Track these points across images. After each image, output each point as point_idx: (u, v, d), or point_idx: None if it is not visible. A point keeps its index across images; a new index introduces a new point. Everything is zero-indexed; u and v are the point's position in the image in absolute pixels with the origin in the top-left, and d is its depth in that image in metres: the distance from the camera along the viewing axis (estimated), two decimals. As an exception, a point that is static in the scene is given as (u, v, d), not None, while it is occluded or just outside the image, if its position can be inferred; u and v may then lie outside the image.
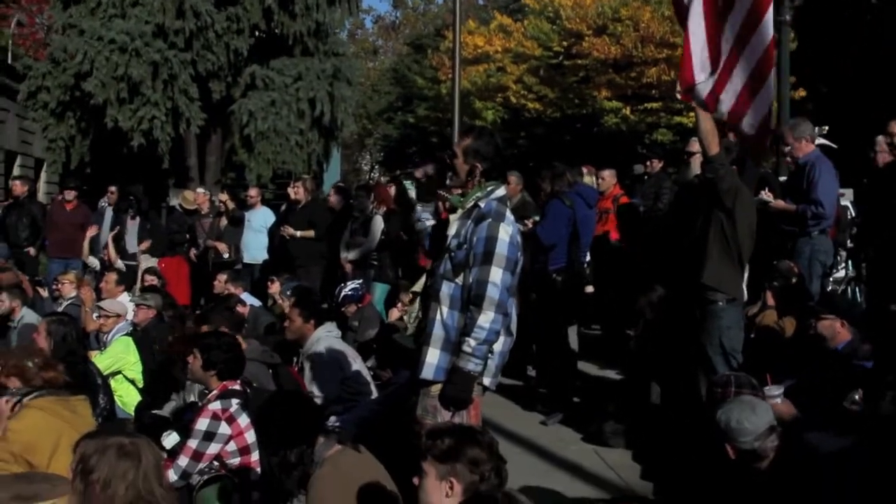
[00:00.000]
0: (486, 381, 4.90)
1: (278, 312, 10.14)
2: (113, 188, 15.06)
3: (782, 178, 9.68)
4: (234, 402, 5.98)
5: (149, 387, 8.27)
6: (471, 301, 4.73)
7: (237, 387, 6.16)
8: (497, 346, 4.87)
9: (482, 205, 4.88)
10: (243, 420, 5.89)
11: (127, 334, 8.70)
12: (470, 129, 5.28)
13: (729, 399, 5.35)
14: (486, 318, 4.65)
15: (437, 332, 4.87)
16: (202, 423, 5.91)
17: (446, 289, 4.88)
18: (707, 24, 6.23)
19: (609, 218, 11.39)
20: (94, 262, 14.03)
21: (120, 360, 8.31)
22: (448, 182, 5.08)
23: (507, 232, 4.73)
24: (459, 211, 4.98)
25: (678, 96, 6.48)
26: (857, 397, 6.06)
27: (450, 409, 4.76)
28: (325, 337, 7.55)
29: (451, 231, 4.97)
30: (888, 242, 7.96)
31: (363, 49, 55.44)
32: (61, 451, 4.94)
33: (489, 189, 4.93)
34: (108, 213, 14.78)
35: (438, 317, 4.88)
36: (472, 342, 4.65)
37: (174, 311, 9.83)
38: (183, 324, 8.26)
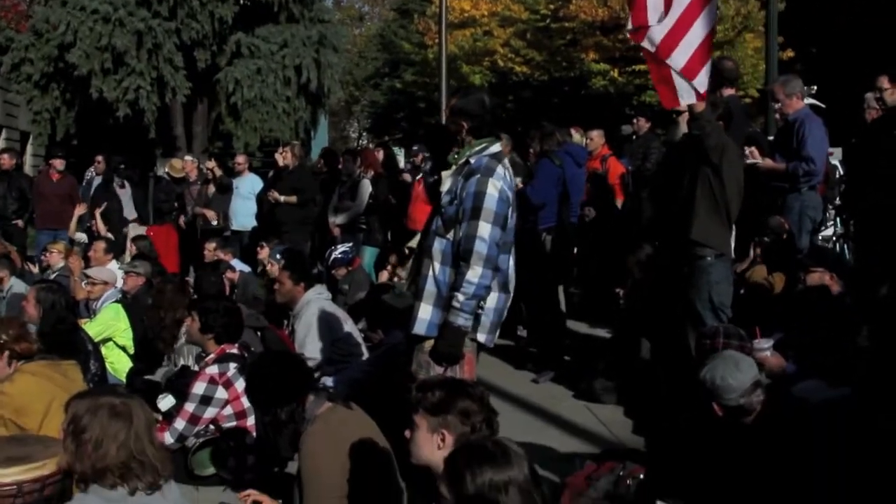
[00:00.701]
0: (481, 337, 4.91)
1: (268, 277, 10.13)
2: (100, 157, 14.99)
3: (770, 138, 9.67)
4: (232, 366, 6.00)
5: (140, 353, 8.27)
6: (460, 256, 4.73)
7: (235, 350, 6.17)
8: (490, 303, 4.88)
9: (472, 161, 4.87)
10: (240, 385, 5.88)
11: (116, 301, 8.69)
12: (456, 89, 5.29)
13: (716, 352, 5.36)
14: (474, 273, 4.65)
15: (430, 287, 4.88)
16: (199, 387, 5.92)
17: (438, 245, 4.89)
18: None
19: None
20: (81, 237, 13.96)
21: (110, 326, 8.29)
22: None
23: (495, 187, 4.71)
24: (453, 167, 4.98)
25: (627, 34, 6.33)
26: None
27: (441, 364, 4.77)
28: (316, 299, 7.56)
29: (444, 188, 4.98)
30: (874, 201, 7.97)
31: (349, 16, 55.12)
32: (52, 415, 4.96)
33: (482, 146, 4.91)
34: (96, 183, 14.70)
35: (431, 273, 4.89)
36: (461, 297, 4.67)
37: (163, 278, 9.81)
38: (182, 291, 8.20)
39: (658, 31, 6.14)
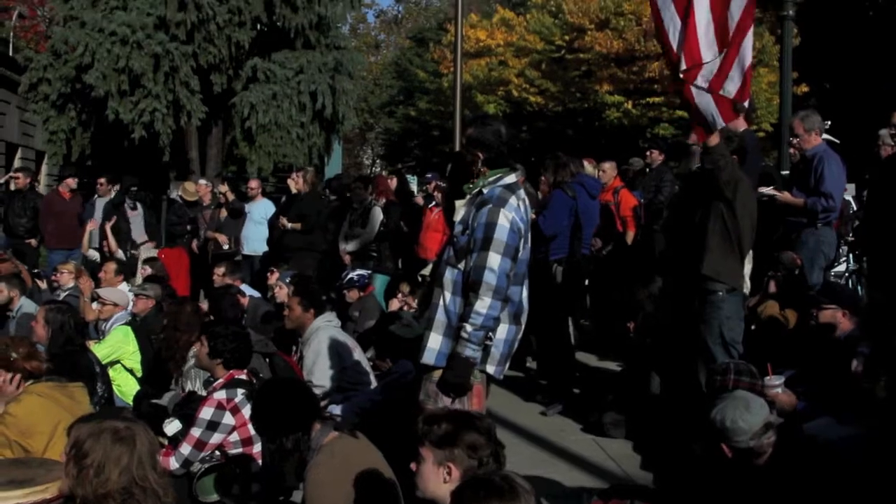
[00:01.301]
0: (490, 369, 4.89)
1: (278, 302, 10.12)
2: (102, 179, 15.04)
3: (784, 172, 9.65)
4: (240, 392, 5.95)
5: (147, 376, 8.25)
6: (469, 287, 4.71)
7: (243, 377, 6.13)
8: (501, 334, 4.86)
9: (485, 191, 4.86)
10: (247, 411, 5.81)
11: (126, 324, 8.68)
12: (472, 119, 5.28)
13: (727, 390, 5.31)
14: (482, 304, 4.63)
15: (440, 317, 4.87)
16: (206, 412, 5.88)
17: (449, 274, 4.88)
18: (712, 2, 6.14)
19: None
20: (94, 255, 13.99)
21: (118, 349, 8.28)
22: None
23: (507, 218, 4.70)
24: (467, 197, 4.98)
25: (680, 75, 6.33)
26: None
27: (449, 395, 4.74)
28: (325, 326, 7.54)
29: (457, 217, 4.97)
30: (891, 236, 7.93)
31: (365, 43, 55.37)
32: (58, 437, 4.94)
33: (496, 176, 4.90)
34: (99, 205, 14.77)
35: (441, 302, 4.88)
36: (469, 328, 4.65)
37: (179, 299, 9.80)
38: (197, 314, 8.18)
39: (713, 66, 6.18)
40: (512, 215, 4.73)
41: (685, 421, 6.47)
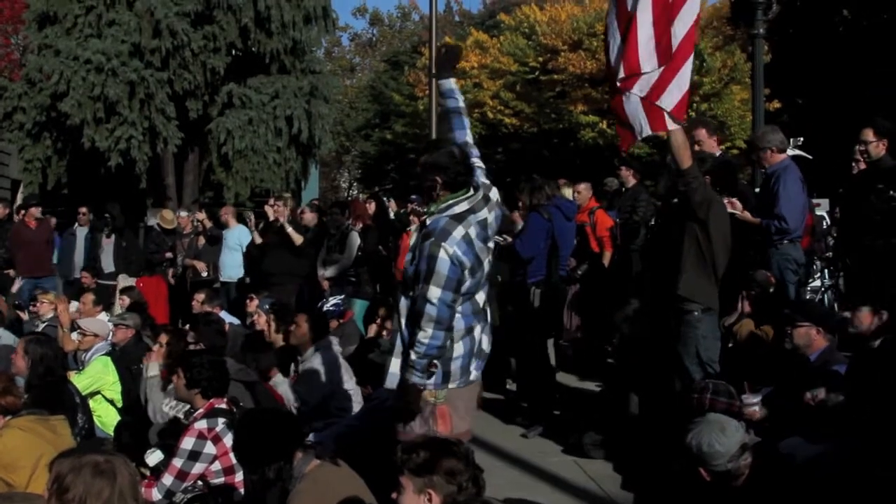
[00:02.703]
0: (454, 384, 4.92)
1: (257, 330, 10.11)
2: (84, 209, 15.02)
3: (756, 190, 9.73)
4: (221, 421, 5.96)
5: (128, 407, 8.24)
6: (414, 316, 4.78)
7: (223, 405, 6.15)
8: (458, 351, 4.88)
9: (429, 221, 4.89)
10: (229, 440, 5.81)
11: (105, 354, 8.66)
12: (424, 147, 5.30)
13: (704, 408, 5.35)
14: (425, 335, 4.70)
15: (398, 343, 4.96)
16: (188, 442, 5.88)
17: (403, 302, 4.96)
18: (655, 15, 6.27)
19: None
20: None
21: (99, 379, 8.27)
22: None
23: (447, 252, 4.69)
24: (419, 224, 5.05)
25: (618, 84, 6.49)
26: (820, 395, 6.10)
27: (400, 419, 4.83)
28: (326, 348, 7.62)
29: (411, 245, 5.03)
30: (866, 250, 8.01)
31: (340, 67, 55.46)
32: (41, 471, 4.93)
33: (447, 203, 4.89)
34: (80, 234, 14.75)
35: (399, 328, 4.98)
36: (413, 356, 4.74)
37: (154, 331, 9.79)
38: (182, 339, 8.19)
39: (651, 77, 6.31)
40: (453, 249, 4.71)
41: (664, 440, 6.52)
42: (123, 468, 3.49)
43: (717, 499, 4.90)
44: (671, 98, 6.32)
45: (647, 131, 6.45)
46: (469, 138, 5.44)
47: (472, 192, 4.95)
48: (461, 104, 5.55)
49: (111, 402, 8.29)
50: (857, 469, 5.10)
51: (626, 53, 6.36)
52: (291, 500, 4.47)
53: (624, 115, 6.49)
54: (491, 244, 5.08)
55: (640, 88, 6.36)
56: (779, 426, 6.12)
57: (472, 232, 4.83)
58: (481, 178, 5.12)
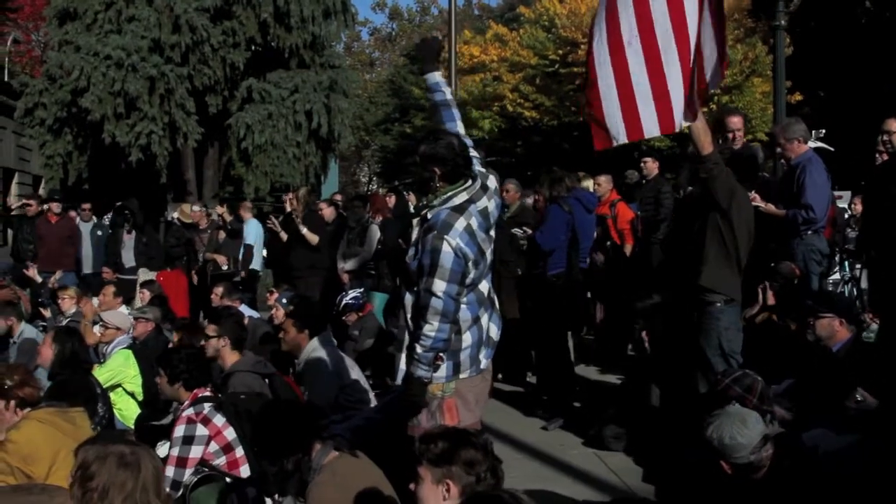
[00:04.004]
0: (464, 375, 4.91)
1: (276, 324, 10.12)
2: (87, 205, 15.13)
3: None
4: (206, 405, 6.04)
5: (148, 399, 8.25)
6: (419, 310, 4.77)
7: (208, 392, 6.21)
8: (466, 342, 4.88)
9: (430, 215, 4.87)
10: (218, 420, 5.95)
11: (127, 347, 8.68)
12: (423, 137, 5.22)
13: (717, 413, 5.27)
14: (430, 328, 4.68)
15: (406, 338, 4.95)
16: (179, 430, 5.95)
17: (408, 297, 4.95)
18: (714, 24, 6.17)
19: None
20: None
21: (119, 373, 8.28)
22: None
23: (450, 244, 4.67)
24: (417, 219, 5.01)
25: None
26: (858, 397, 6.04)
27: (408, 413, 4.86)
28: (321, 346, 7.55)
29: (413, 237, 5.01)
30: (890, 241, 7.94)
31: (360, 61, 55.55)
32: (60, 463, 4.94)
33: (447, 195, 4.86)
34: (85, 230, 14.91)
35: (405, 324, 4.98)
36: (419, 349, 4.72)
37: (174, 324, 9.80)
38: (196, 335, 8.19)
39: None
40: (456, 241, 4.69)
41: (685, 433, 6.48)
42: (148, 461, 3.48)
43: (739, 491, 4.85)
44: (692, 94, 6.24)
45: (623, 139, 6.34)
46: (461, 129, 5.41)
47: (469, 182, 4.92)
48: (448, 96, 5.56)
49: (132, 394, 8.31)
50: (881, 466, 5.04)
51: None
52: (310, 492, 4.46)
53: (601, 114, 6.36)
54: (493, 233, 5.05)
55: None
56: (802, 417, 6.07)
57: (474, 223, 4.81)
58: (477, 166, 5.09)
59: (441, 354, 4.78)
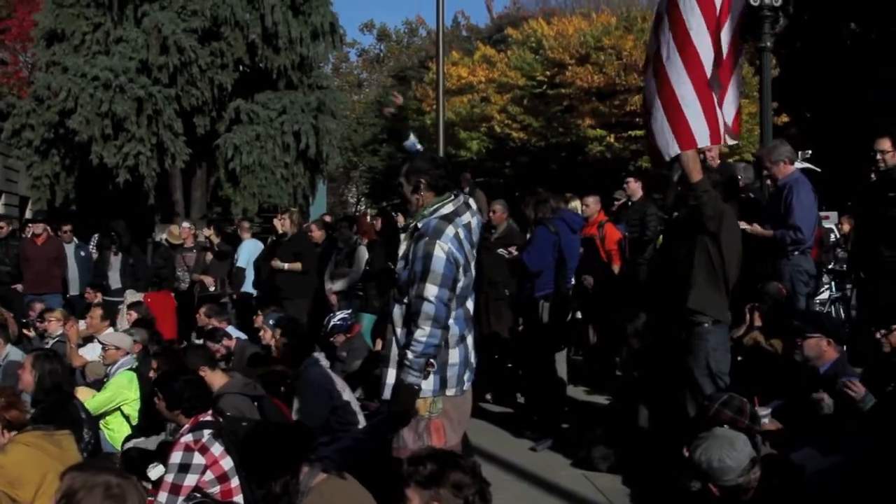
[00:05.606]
0: (451, 392, 4.91)
1: (264, 344, 10.10)
2: (67, 227, 15.10)
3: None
4: (206, 432, 5.96)
5: (142, 423, 8.18)
6: (411, 317, 4.76)
7: (209, 418, 6.15)
8: (454, 358, 4.91)
9: (420, 224, 4.90)
10: (216, 448, 5.87)
11: (131, 369, 8.60)
12: (403, 158, 5.37)
13: (703, 435, 5.27)
14: (422, 333, 4.71)
15: (393, 352, 4.95)
16: (176, 457, 5.88)
17: (396, 310, 4.98)
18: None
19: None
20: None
21: (120, 394, 8.20)
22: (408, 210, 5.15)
23: (442, 249, 4.74)
24: (405, 232, 5.05)
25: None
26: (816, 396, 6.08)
27: (395, 425, 4.86)
28: (313, 367, 7.54)
29: (400, 252, 5.03)
30: (883, 262, 8.01)
31: (348, 82, 55.55)
32: (47, 486, 4.92)
33: (434, 206, 4.94)
34: (69, 250, 14.86)
35: (393, 338, 4.97)
36: (410, 355, 4.73)
37: (160, 345, 9.76)
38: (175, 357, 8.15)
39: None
40: (448, 246, 4.77)
41: (673, 454, 6.47)
42: (134, 494, 3.44)
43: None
44: (729, 110, 6.37)
45: (676, 150, 6.45)
46: None
47: (454, 196, 5.02)
48: None
49: (127, 417, 8.25)
50: (866, 484, 5.05)
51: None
52: (298, 515, 4.44)
53: (654, 139, 6.51)
54: (474, 252, 5.10)
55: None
56: (791, 437, 6.08)
57: (461, 232, 4.89)
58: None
59: (432, 360, 4.79)
